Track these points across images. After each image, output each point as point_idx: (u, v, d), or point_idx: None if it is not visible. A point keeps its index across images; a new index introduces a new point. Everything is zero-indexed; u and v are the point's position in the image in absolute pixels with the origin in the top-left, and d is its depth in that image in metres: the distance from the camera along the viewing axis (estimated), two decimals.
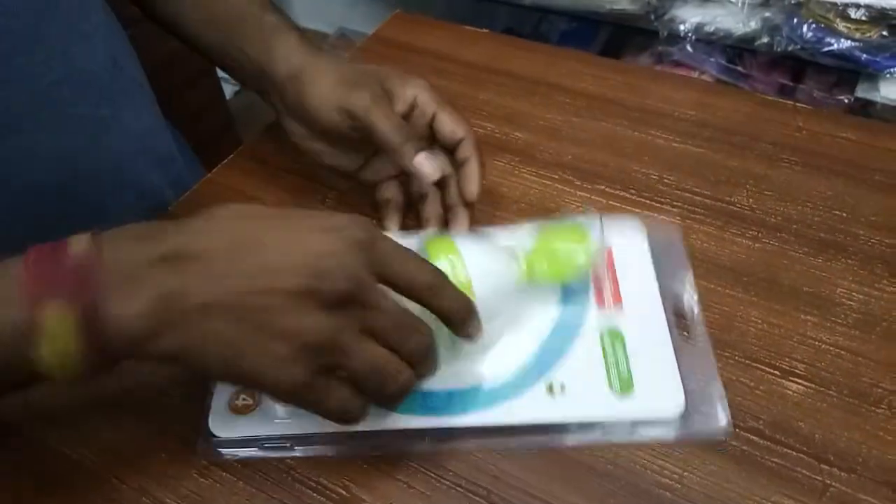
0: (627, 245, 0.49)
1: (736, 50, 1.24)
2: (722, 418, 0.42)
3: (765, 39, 1.15)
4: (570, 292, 0.47)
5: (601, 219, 0.48)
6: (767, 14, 1.15)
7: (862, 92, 1.12)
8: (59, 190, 0.51)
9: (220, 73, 1.27)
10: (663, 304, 0.46)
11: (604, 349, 0.44)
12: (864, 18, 1.06)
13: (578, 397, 0.42)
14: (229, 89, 1.57)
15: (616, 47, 1.39)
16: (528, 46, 0.73)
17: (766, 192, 0.55)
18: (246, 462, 0.42)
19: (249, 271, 0.34)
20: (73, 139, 0.51)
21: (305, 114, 0.51)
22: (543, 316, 0.46)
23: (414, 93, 0.50)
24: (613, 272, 0.48)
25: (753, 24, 1.16)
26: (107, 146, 0.54)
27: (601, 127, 0.62)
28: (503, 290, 0.43)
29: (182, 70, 1.14)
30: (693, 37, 1.20)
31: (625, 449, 0.41)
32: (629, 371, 0.43)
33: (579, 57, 0.71)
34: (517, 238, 0.46)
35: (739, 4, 1.18)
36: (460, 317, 0.38)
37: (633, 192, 0.56)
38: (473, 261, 0.42)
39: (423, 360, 0.37)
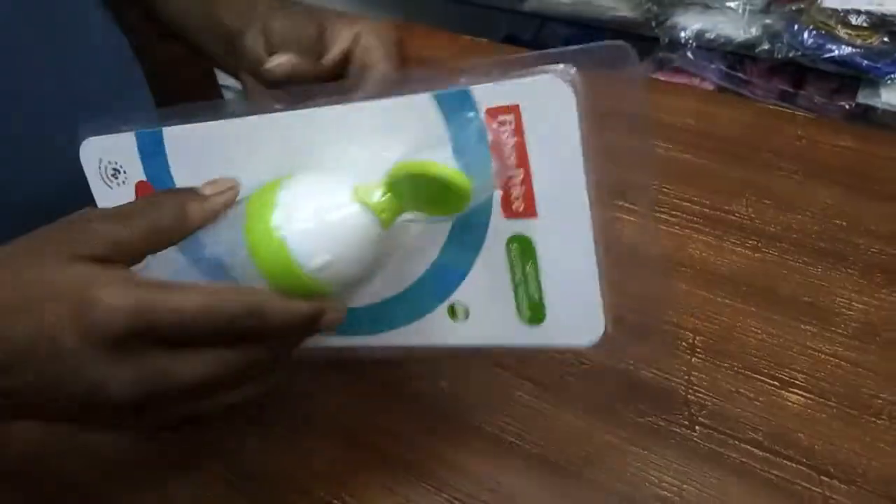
0: (548, 115, 0.32)
1: (736, 56, 1.24)
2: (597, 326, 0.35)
3: (765, 46, 1.15)
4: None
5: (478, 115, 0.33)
6: (768, 21, 1.15)
7: (863, 98, 1.12)
8: (68, 212, 0.51)
9: (221, 80, 1.27)
10: (589, 194, 0.33)
11: (511, 265, 0.35)
12: (864, 25, 1.06)
13: (482, 325, 0.37)
14: (229, 95, 1.58)
15: None
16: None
17: (766, 202, 0.55)
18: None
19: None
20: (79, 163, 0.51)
21: (242, 58, 0.46)
22: (433, 229, 0.37)
23: (359, 27, 0.44)
24: (525, 162, 0.33)
25: (754, 31, 1.16)
26: None
27: (600, 136, 0.62)
28: (357, 255, 0.33)
29: (181, 76, 1.15)
30: (694, 44, 1.20)
31: (623, 461, 0.41)
32: (540, 292, 0.35)
33: None
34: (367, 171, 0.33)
35: (740, 11, 1.19)
36: (301, 328, 0.33)
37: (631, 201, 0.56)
38: (308, 231, 0.32)
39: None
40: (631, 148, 0.36)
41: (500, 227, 0.35)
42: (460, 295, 0.37)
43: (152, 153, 0.39)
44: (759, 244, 0.52)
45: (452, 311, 0.37)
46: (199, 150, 0.38)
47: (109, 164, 0.41)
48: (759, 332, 0.47)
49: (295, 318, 0.32)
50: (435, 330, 0.38)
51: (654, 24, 1.23)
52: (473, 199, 0.32)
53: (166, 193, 0.34)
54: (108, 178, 0.41)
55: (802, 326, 0.47)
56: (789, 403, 0.43)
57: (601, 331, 0.35)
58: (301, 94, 0.38)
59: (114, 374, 0.29)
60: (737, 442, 0.42)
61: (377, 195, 0.32)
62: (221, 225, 0.34)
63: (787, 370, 0.45)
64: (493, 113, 0.32)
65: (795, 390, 0.44)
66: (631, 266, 0.37)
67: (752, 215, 0.54)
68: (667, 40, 1.23)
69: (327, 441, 0.43)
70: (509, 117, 0.32)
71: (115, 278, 0.30)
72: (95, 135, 0.40)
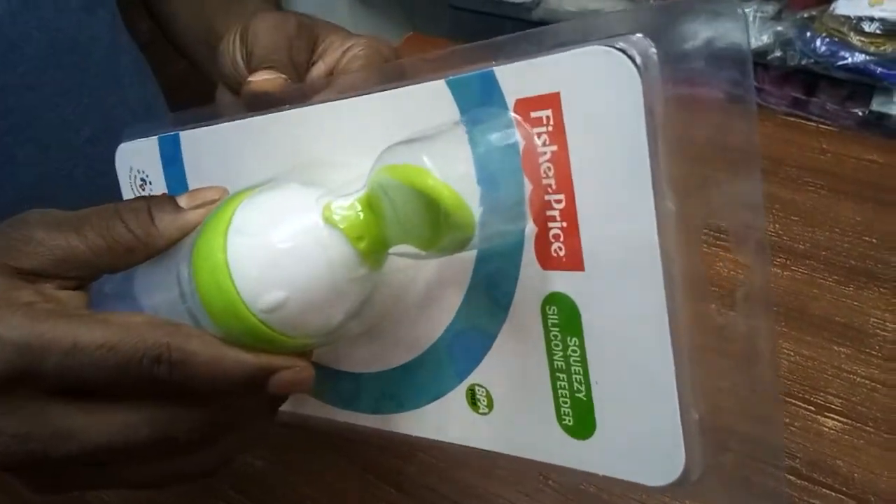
0: (601, 109, 0.22)
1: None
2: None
3: (777, 53, 1.14)
4: (489, 231, 0.23)
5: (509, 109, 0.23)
6: (779, 28, 1.14)
7: (877, 105, 1.11)
8: None
9: None
10: (662, 235, 0.22)
11: (548, 339, 0.25)
12: (878, 32, 1.05)
13: (509, 423, 0.27)
14: None
15: None
16: None
17: (793, 218, 0.54)
18: None
19: None
20: (112, 196, 0.48)
21: (218, 64, 0.39)
22: (447, 276, 0.27)
23: (352, 41, 0.37)
24: (568, 182, 0.23)
25: (766, 39, 1.15)
26: None
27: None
28: (322, 293, 0.24)
29: (191, 91, 1.14)
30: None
31: None
32: (588, 387, 0.24)
33: None
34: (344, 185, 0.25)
35: (751, 18, 1.18)
36: (241, 385, 0.25)
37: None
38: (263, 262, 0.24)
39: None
40: (726, 161, 0.23)
41: (533, 281, 0.24)
42: (482, 374, 0.27)
43: (172, 160, 0.34)
44: (788, 262, 0.51)
45: (472, 398, 0.28)
46: (212, 154, 0.33)
47: (138, 173, 0.36)
48: (792, 353, 0.45)
49: (227, 371, 0.24)
50: (449, 421, 0.28)
51: None
52: (493, 235, 0.23)
53: (135, 202, 0.28)
54: (137, 189, 0.36)
55: (836, 348, 0.45)
56: (825, 429, 0.42)
57: (680, 467, 0.23)
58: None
59: None
60: (773, 469, 0.40)
61: (350, 214, 0.24)
62: (178, 246, 0.27)
63: (822, 394, 0.43)
64: (525, 106, 0.23)
65: (831, 415, 0.43)
66: (727, 353, 0.24)
67: (780, 231, 0.53)
68: None
69: (341, 466, 0.42)
70: (546, 113, 0.22)
71: (20, 302, 0.24)
72: (130, 140, 0.36)
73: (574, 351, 0.24)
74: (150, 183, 0.35)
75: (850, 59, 1.08)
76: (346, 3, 1.68)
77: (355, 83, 0.31)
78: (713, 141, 0.22)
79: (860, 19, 1.05)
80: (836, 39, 1.09)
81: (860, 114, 1.16)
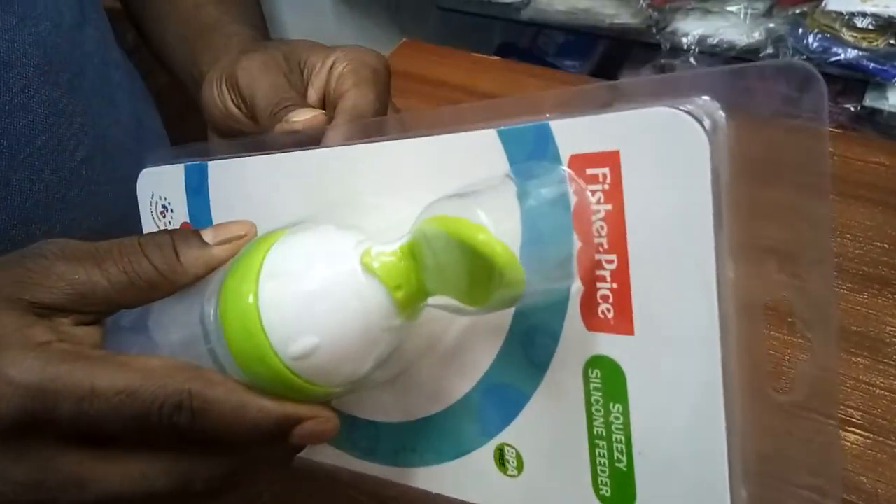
0: (664, 171, 0.21)
1: (738, 62, 1.22)
2: None
3: (769, 50, 1.14)
4: (534, 288, 0.22)
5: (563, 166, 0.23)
6: (771, 24, 1.14)
7: (870, 101, 1.11)
8: None
9: None
10: (722, 306, 0.21)
11: (589, 404, 0.24)
12: (870, 27, 1.05)
13: (539, 489, 0.26)
14: None
15: (615, 61, 1.37)
16: (542, 73, 0.71)
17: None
18: None
19: None
20: (106, 216, 0.47)
21: (204, 108, 0.38)
22: (482, 327, 0.26)
23: (334, 58, 0.35)
24: (622, 243, 0.22)
25: (757, 35, 1.15)
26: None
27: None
28: (355, 342, 0.24)
29: (175, 102, 1.12)
30: (696, 49, 1.19)
31: None
32: (630, 459, 0.23)
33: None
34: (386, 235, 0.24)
35: (741, 15, 1.17)
36: (263, 437, 0.24)
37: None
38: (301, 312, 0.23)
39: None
40: (796, 221, 0.22)
41: (576, 342, 0.23)
42: (513, 434, 0.26)
43: (197, 190, 0.33)
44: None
45: (501, 458, 0.26)
46: (240, 186, 0.32)
47: (159, 200, 0.35)
48: (790, 357, 0.45)
49: (250, 421, 0.23)
50: (474, 480, 0.27)
51: (654, 30, 1.21)
52: (537, 293, 0.22)
53: (159, 235, 0.27)
54: (157, 216, 0.35)
55: (853, 359, 0.45)
56: (847, 444, 0.41)
57: None
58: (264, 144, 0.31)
59: (3, 471, 0.23)
60: (794, 487, 0.39)
61: (391, 262, 0.23)
62: (203, 283, 0.26)
63: (841, 407, 0.43)
64: (580, 163, 0.22)
65: (852, 429, 0.42)
66: (788, 427, 0.24)
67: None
68: (668, 46, 1.21)
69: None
70: (603, 171, 0.22)
71: (34, 342, 0.23)
72: (154, 165, 0.35)
73: (617, 418, 0.23)
74: (172, 210, 0.34)
75: (842, 55, 1.07)
76: (332, 6, 1.66)
77: (396, 124, 0.30)
78: (778, 216, 0.22)
79: (852, 15, 1.05)
80: (829, 35, 1.08)
81: (852, 109, 1.16)
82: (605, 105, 0.22)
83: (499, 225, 0.21)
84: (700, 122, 0.20)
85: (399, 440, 0.29)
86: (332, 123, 0.32)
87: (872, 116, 1.15)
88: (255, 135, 0.35)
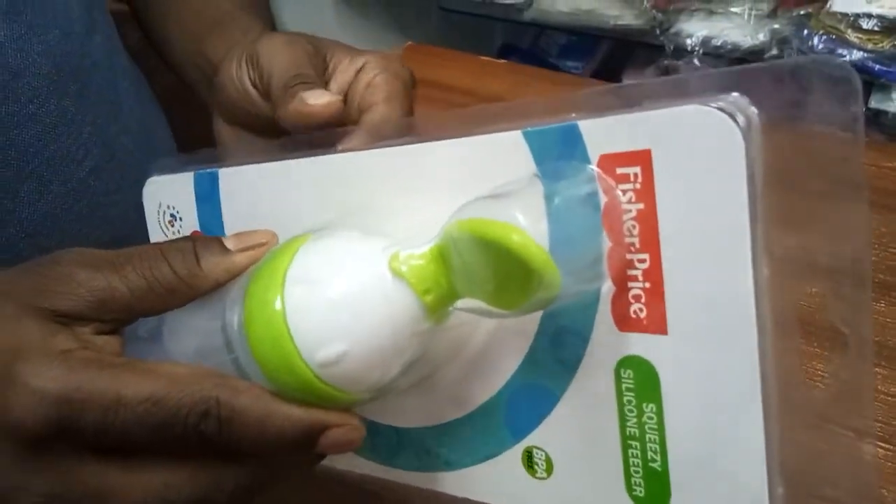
0: (697, 169, 0.21)
1: (744, 63, 1.22)
2: None
3: (774, 52, 1.13)
4: (564, 290, 0.22)
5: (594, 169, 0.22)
6: (776, 26, 1.13)
7: (876, 102, 1.11)
8: None
9: None
10: (759, 305, 0.21)
11: (621, 405, 0.23)
12: (876, 29, 1.04)
13: (570, 492, 0.25)
14: None
15: (617, 62, 1.37)
16: (549, 77, 0.71)
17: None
18: None
19: None
20: (114, 227, 0.46)
21: (217, 89, 0.37)
22: (509, 329, 0.26)
23: (363, 60, 0.35)
24: (654, 243, 0.22)
25: (762, 37, 1.14)
26: None
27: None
28: (384, 347, 0.23)
29: (181, 104, 1.11)
30: (700, 50, 1.18)
31: None
32: (665, 459, 0.23)
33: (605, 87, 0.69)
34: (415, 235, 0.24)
35: (745, 17, 1.16)
36: (290, 444, 0.24)
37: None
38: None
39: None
40: (834, 230, 0.22)
41: (608, 342, 0.23)
42: (541, 437, 0.25)
43: (207, 197, 0.33)
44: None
45: (529, 460, 0.26)
46: (254, 194, 0.31)
47: (168, 208, 0.35)
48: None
49: (277, 429, 0.23)
50: (501, 483, 0.27)
51: (658, 31, 1.20)
52: (567, 295, 0.21)
53: (180, 242, 0.26)
54: (165, 225, 0.35)
55: (873, 369, 0.44)
56: (868, 456, 0.40)
57: None
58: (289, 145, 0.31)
59: (25, 483, 0.22)
60: (816, 501, 0.39)
61: (420, 266, 0.22)
62: (224, 291, 0.26)
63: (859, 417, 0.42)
64: (610, 162, 0.22)
65: (873, 440, 0.41)
66: (829, 428, 0.24)
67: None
68: (672, 48, 1.21)
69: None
70: (634, 170, 0.21)
71: (56, 350, 0.22)
72: (161, 174, 0.35)
73: (650, 417, 0.23)
74: (181, 219, 0.34)
75: (847, 57, 1.07)
76: (332, 5, 1.65)
77: (415, 128, 0.30)
78: (813, 210, 0.22)
79: (858, 16, 1.04)
80: (834, 37, 1.08)
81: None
82: (632, 104, 0.22)
83: (533, 227, 0.21)
84: (734, 118, 0.20)
85: (422, 445, 0.28)
86: (354, 130, 0.31)
87: (877, 118, 1.15)
88: (265, 141, 0.34)
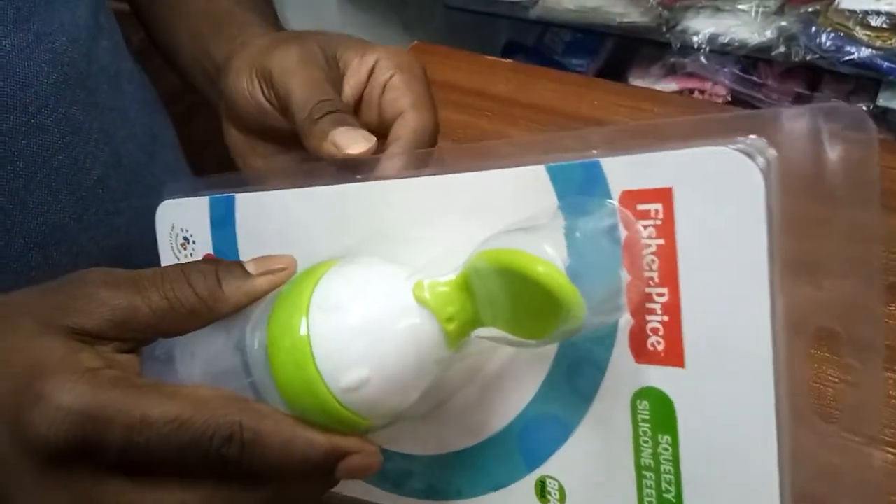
0: (717, 209, 0.21)
1: (749, 60, 1.21)
2: None
3: (781, 49, 1.12)
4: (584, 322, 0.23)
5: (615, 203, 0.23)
6: (783, 23, 1.12)
7: (884, 100, 1.10)
8: None
9: None
10: (776, 342, 0.21)
11: (636, 435, 0.24)
12: (884, 26, 1.04)
13: None
14: None
15: (623, 59, 1.36)
16: (557, 77, 0.70)
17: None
18: None
19: None
20: (122, 235, 0.46)
21: (227, 101, 0.36)
22: (525, 359, 0.26)
23: (374, 58, 0.34)
24: (673, 278, 0.22)
25: (769, 34, 1.14)
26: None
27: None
28: (406, 374, 0.24)
29: (183, 103, 1.11)
30: (707, 48, 1.17)
31: None
32: (679, 491, 0.23)
33: (610, 88, 0.69)
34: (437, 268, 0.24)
35: (752, 14, 1.16)
36: (310, 470, 0.24)
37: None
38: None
39: None
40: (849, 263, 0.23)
41: (624, 374, 0.23)
42: (555, 467, 0.25)
43: (222, 222, 0.33)
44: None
45: (542, 490, 0.26)
46: (272, 220, 0.31)
47: (181, 231, 0.35)
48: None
49: (299, 454, 0.23)
50: None
51: (664, 28, 1.20)
52: (587, 326, 0.22)
53: (202, 264, 0.27)
54: (177, 247, 0.35)
55: (885, 374, 0.44)
56: (879, 462, 0.40)
57: None
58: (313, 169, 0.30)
59: (45, 499, 0.22)
60: None
61: (444, 294, 0.23)
62: (242, 314, 0.26)
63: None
64: (632, 199, 0.22)
65: (883, 447, 0.41)
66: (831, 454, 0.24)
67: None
68: (678, 45, 1.20)
69: None
70: (655, 207, 0.22)
71: (83, 368, 0.23)
72: (174, 196, 0.35)
73: (665, 449, 0.23)
74: (194, 243, 0.34)
75: (856, 54, 1.06)
76: (337, 3, 1.65)
77: (443, 158, 0.30)
78: (825, 250, 0.22)
79: (866, 13, 1.04)
80: (842, 34, 1.07)
81: (865, 109, 1.15)
82: (653, 142, 0.22)
83: (557, 259, 0.21)
84: (754, 160, 0.20)
85: (433, 473, 0.29)
86: (389, 152, 0.31)
87: (885, 116, 1.14)
88: (286, 159, 0.34)
